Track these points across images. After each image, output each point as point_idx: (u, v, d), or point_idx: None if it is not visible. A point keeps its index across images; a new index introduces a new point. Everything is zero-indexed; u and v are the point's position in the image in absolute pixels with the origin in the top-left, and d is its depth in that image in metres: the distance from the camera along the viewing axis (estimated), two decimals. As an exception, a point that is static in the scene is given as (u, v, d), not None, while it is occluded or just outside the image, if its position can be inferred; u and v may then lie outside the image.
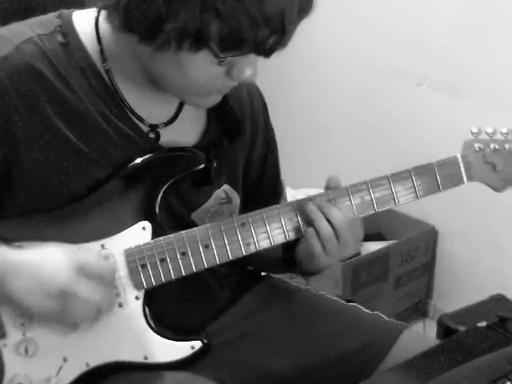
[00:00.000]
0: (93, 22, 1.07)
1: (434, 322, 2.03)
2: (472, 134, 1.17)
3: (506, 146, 1.16)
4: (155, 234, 1.07)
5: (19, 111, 1.01)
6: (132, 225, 1.07)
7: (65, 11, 1.09)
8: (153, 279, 1.07)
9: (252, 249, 1.10)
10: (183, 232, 1.08)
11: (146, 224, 1.07)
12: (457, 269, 2.57)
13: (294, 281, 1.44)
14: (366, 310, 1.32)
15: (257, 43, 0.94)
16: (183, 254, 1.07)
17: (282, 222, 1.10)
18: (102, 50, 1.06)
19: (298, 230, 1.11)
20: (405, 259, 2.53)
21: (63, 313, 0.99)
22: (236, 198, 1.22)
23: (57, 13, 1.09)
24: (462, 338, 1.21)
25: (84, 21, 1.07)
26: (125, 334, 1.08)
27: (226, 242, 1.08)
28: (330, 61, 2.81)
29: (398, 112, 2.59)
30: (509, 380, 0.99)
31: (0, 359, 1.05)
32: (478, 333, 1.20)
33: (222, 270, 1.22)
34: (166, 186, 1.08)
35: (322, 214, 1.09)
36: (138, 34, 0.95)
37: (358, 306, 1.34)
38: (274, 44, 0.95)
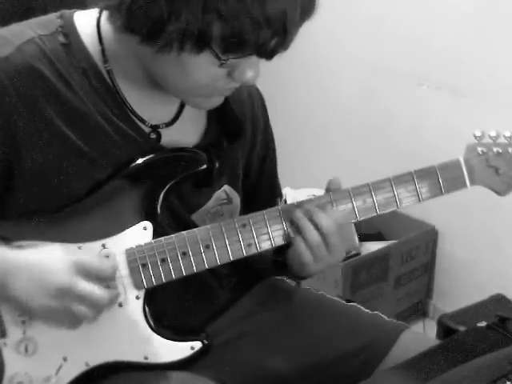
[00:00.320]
0: (94, 23, 1.07)
1: (434, 322, 2.04)
2: (475, 137, 1.16)
3: (510, 149, 1.16)
4: (156, 234, 1.07)
5: (19, 111, 1.01)
6: (133, 225, 1.07)
7: (66, 11, 1.09)
8: (153, 279, 1.07)
9: (253, 250, 1.10)
10: (184, 232, 1.08)
11: (147, 224, 1.07)
12: (457, 269, 2.57)
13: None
14: (366, 310, 1.32)
15: (259, 45, 0.94)
16: (184, 254, 1.07)
17: (284, 223, 1.10)
18: (103, 51, 1.06)
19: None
20: (405, 259, 2.53)
21: (63, 311, 1.00)
22: (236, 199, 1.22)
23: (58, 13, 1.09)
24: (462, 337, 1.21)
25: (85, 21, 1.07)
26: (125, 333, 1.08)
27: (227, 243, 1.08)
28: (330, 61, 2.81)
29: (399, 112, 2.59)
30: (509, 380, 0.99)
31: (0, 358, 1.05)
32: (477, 333, 1.20)
33: (223, 270, 1.22)
34: (167, 187, 1.08)
35: (310, 220, 1.09)
36: (140, 35, 0.95)
37: (358, 306, 1.34)
38: (276, 46, 0.95)
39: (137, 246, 1.07)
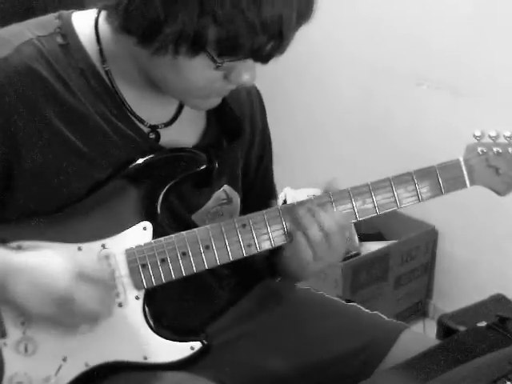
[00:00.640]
0: (92, 23, 1.07)
1: (434, 322, 2.04)
2: (475, 137, 1.16)
3: (510, 149, 1.16)
4: (156, 234, 1.07)
5: (19, 112, 1.01)
6: (133, 225, 1.07)
7: (64, 12, 1.09)
8: (153, 279, 1.07)
9: (253, 250, 1.09)
10: (184, 232, 1.08)
11: (147, 224, 1.07)
12: (457, 269, 2.57)
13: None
14: (366, 310, 1.32)
15: (254, 49, 0.94)
16: (184, 254, 1.07)
17: (283, 223, 1.10)
18: (101, 51, 1.06)
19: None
20: (405, 259, 2.53)
21: (62, 316, 1.00)
22: (236, 199, 1.22)
23: (56, 14, 1.09)
24: (462, 337, 1.21)
25: (83, 22, 1.07)
26: (124, 333, 1.08)
27: (227, 243, 1.08)
28: (330, 61, 2.81)
29: (398, 112, 2.59)
30: (509, 380, 0.99)
31: (0, 358, 1.05)
32: (477, 333, 1.20)
33: (223, 271, 1.22)
34: (167, 187, 1.08)
35: (314, 219, 1.08)
36: (136, 36, 0.96)
37: (358, 306, 1.34)
38: (272, 50, 0.95)
39: (136, 247, 1.06)
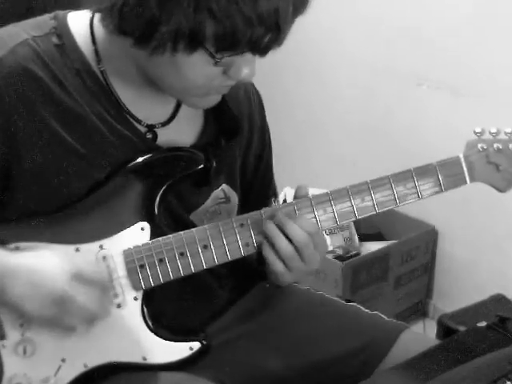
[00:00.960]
0: (87, 23, 1.07)
1: (434, 322, 2.03)
2: (475, 133, 1.16)
3: (510, 145, 1.15)
4: (154, 234, 1.07)
5: (17, 112, 1.01)
6: (131, 225, 1.07)
7: (60, 12, 1.09)
8: (151, 280, 1.07)
9: (251, 249, 1.09)
10: (182, 232, 1.08)
11: (145, 224, 1.07)
12: (457, 269, 2.57)
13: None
14: (366, 310, 1.32)
15: (252, 42, 0.94)
16: (182, 254, 1.07)
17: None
18: (96, 51, 1.06)
19: None
20: (405, 259, 2.53)
21: (59, 317, 1.00)
22: (234, 198, 1.22)
23: (52, 14, 1.09)
24: (462, 337, 1.21)
25: (79, 22, 1.07)
26: (123, 334, 1.08)
27: (225, 243, 1.08)
28: (330, 61, 2.81)
29: (398, 112, 2.59)
30: (509, 380, 0.99)
31: (-1, 359, 1.05)
32: (477, 333, 1.20)
33: (222, 270, 1.21)
34: (165, 187, 1.08)
35: (282, 232, 1.07)
36: (133, 38, 0.95)
37: (358, 306, 1.33)
38: (269, 42, 0.95)
39: (134, 247, 1.06)
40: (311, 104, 2.93)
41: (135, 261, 1.06)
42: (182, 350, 1.10)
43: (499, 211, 2.29)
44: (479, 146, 1.15)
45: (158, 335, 1.09)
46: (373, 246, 2.51)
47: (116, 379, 1.08)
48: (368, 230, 2.61)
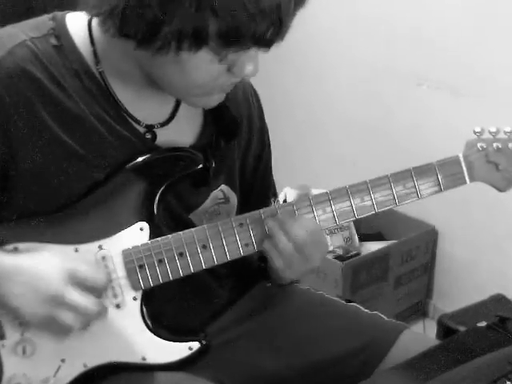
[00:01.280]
0: (86, 24, 1.07)
1: (434, 322, 2.04)
2: (475, 133, 1.15)
3: (510, 144, 1.15)
4: (153, 234, 1.07)
5: (15, 113, 1.01)
6: (130, 225, 1.07)
7: (58, 13, 1.09)
8: (150, 280, 1.07)
9: (250, 249, 1.09)
10: (181, 233, 1.07)
11: (144, 225, 1.07)
12: (457, 269, 2.57)
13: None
14: (366, 310, 1.32)
15: (255, 37, 0.93)
16: (181, 254, 1.07)
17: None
18: (95, 52, 1.06)
19: None
20: (405, 259, 2.53)
21: (53, 318, 1.00)
22: (234, 198, 1.22)
23: (50, 15, 1.08)
24: (462, 338, 1.21)
25: (77, 23, 1.07)
26: (123, 334, 1.08)
27: (224, 243, 1.08)
28: (330, 61, 2.81)
29: (398, 112, 2.59)
30: (509, 380, 0.99)
31: (-2, 359, 1.05)
32: (477, 333, 1.20)
33: (222, 270, 1.21)
34: (164, 187, 1.08)
35: (282, 230, 1.08)
36: (135, 40, 0.95)
37: (358, 306, 1.33)
38: (273, 36, 0.95)
39: (133, 247, 1.06)
40: (311, 104, 2.93)
41: (134, 261, 1.06)
42: (181, 349, 1.10)
43: (499, 211, 2.29)
44: (478, 145, 1.15)
45: (157, 335, 1.09)
46: (373, 246, 2.51)
47: (115, 379, 1.08)
48: (368, 230, 2.61)
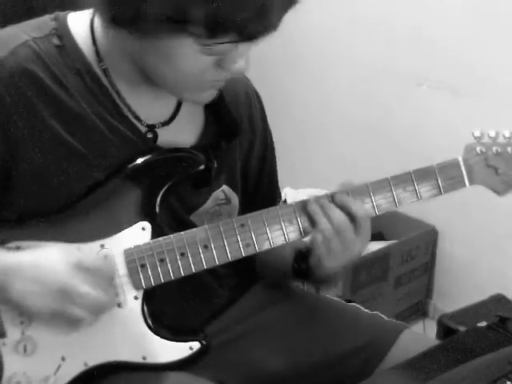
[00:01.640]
0: (88, 23, 1.07)
1: (434, 322, 2.04)
2: (474, 137, 1.16)
3: (509, 149, 1.15)
4: (155, 234, 1.07)
5: (16, 113, 1.01)
6: (132, 225, 1.07)
7: (60, 13, 1.09)
8: (152, 279, 1.07)
9: (251, 250, 1.09)
10: (183, 233, 1.07)
11: (146, 224, 1.07)
12: (457, 269, 2.57)
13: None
14: (366, 310, 1.32)
15: (238, 28, 0.92)
16: (182, 254, 1.07)
17: (282, 223, 1.10)
18: (97, 51, 1.06)
19: (297, 232, 1.11)
20: (405, 259, 2.53)
21: (63, 311, 1.00)
22: (235, 199, 1.22)
23: (52, 15, 1.09)
24: (462, 338, 1.21)
25: (79, 22, 1.08)
26: (123, 333, 1.08)
27: (225, 243, 1.08)
28: (330, 61, 2.81)
29: (398, 112, 2.59)
30: (509, 380, 0.99)
31: (-1, 357, 1.05)
32: (477, 333, 1.20)
33: (222, 270, 1.21)
34: (166, 187, 1.08)
35: (324, 213, 1.09)
36: (123, 25, 0.95)
37: (358, 306, 1.33)
38: (257, 29, 0.94)
39: (135, 247, 1.06)
40: (311, 104, 2.93)
41: (136, 260, 1.06)
42: (181, 349, 1.10)
43: (499, 211, 2.29)
44: (478, 149, 1.16)
45: (158, 335, 1.09)
46: (373, 246, 2.51)
47: (116, 378, 1.08)
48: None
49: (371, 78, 2.65)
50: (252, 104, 1.25)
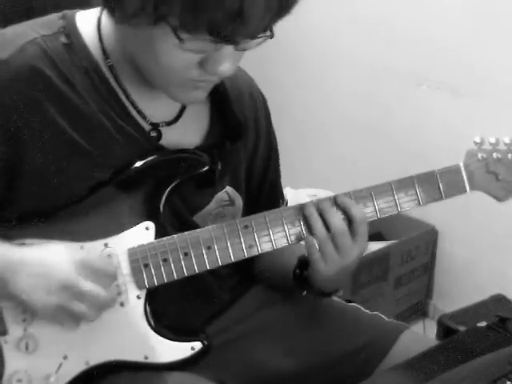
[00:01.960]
0: (95, 22, 1.07)
1: (434, 322, 2.04)
2: (475, 143, 1.17)
3: (509, 155, 1.16)
4: (158, 234, 1.07)
5: (22, 111, 1.01)
6: (136, 224, 1.07)
7: (68, 12, 1.09)
8: (155, 279, 1.07)
9: (254, 251, 1.09)
10: (186, 233, 1.07)
11: (150, 224, 1.07)
12: (457, 269, 2.57)
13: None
14: (366, 311, 1.32)
15: (209, 27, 0.90)
16: (186, 254, 1.07)
17: (285, 225, 1.10)
18: (104, 50, 1.06)
19: (299, 234, 1.10)
20: (405, 259, 2.53)
21: (66, 306, 1.00)
22: (239, 201, 1.22)
23: (60, 14, 1.09)
24: (462, 337, 1.21)
25: (87, 21, 1.08)
26: (125, 333, 1.08)
27: (229, 244, 1.08)
28: (330, 61, 2.81)
29: (398, 112, 2.59)
30: (509, 380, 0.99)
31: (0, 355, 1.05)
32: (477, 333, 1.20)
33: (223, 270, 1.21)
34: (170, 187, 1.08)
35: (322, 218, 1.08)
36: (110, 11, 0.96)
37: (358, 307, 1.33)
38: (233, 32, 0.91)
39: (139, 246, 1.06)
40: (311, 104, 2.93)
41: (139, 260, 1.06)
42: (183, 349, 1.10)
43: (499, 211, 2.28)
44: (479, 155, 1.16)
45: (160, 334, 1.09)
46: (373, 246, 2.51)
47: (117, 378, 1.08)
48: (368, 230, 2.60)
49: (371, 78, 2.65)
50: (257, 106, 1.24)
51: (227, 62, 0.98)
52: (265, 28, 0.95)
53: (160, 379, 1.09)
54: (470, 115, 2.29)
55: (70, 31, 1.06)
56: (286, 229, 1.10)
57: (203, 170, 1.09)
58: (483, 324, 1.22)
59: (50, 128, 1.03)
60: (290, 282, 1.22)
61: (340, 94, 2.80)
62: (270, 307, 1.29)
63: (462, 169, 1.16)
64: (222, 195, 1.18)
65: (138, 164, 1.08)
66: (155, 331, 1.09)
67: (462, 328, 1.63)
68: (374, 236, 2.63)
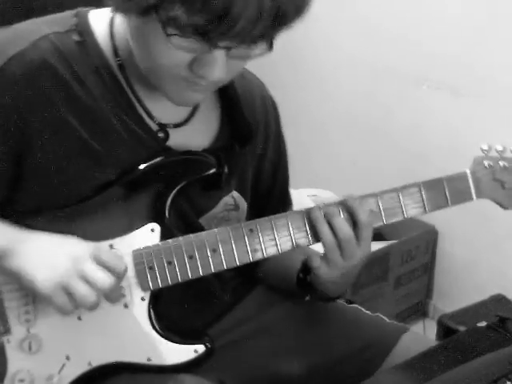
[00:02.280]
0: (108, 21, 1.07)
1: (434, 322, 2.04)
2: (482, 151, 1.16)
3: None
4: (164, 236, 1.07)
5: (36, 103, 1.01)
6: (141, 226, 1.07)
7: (81, 10, 1.09)
8: (159, 281, 1.06)
9: (259, 255, 1.08)
10: (192, 235, 1.07)
11: (155, 226, 1.07)
12: (457, 269, 2.57)
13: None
14: (367, 312, 1.32)
15: (194, 27, 0.89)
16: (191, 257, 1.06)
17: (291, 229, 1.09)
18: (115, 49, 1.06)
19: (305, 238, 1.10)
20: (405, 259, 2.53)
21: (68, 283, 0.99)
22: (244, 206, 1.21)
23: (73, 12, 1.09)
24: (462, 337, 1.21)
25: (100, 20, 1.08)
26: (129, 334, 1.08)
27: (234, 248, 1.07)
28: (330, 62, 2.81)
29: (398, 112, 2.59)
30: (509, 380, 0.99)
31: (3, 355, 1.05)
32: (477, 333, 1.20)
33: (226, 273, 1.21)
34: (176, 189, 1.08)
35: (328, 222, 1.08)
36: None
37: (359, 308, 1.33)
38: (220, 36, 0.90)
39: (144, 248, 1.06)
40: (311, 104, 2.93)
41: (144, 262, 1.06)
42: (186, 352, 1.10)
43: (499, 211, 2.29)
44: (486, 162, 1.16)
45: (163, 337, 1.09)
46: (373, 246, 2.50)
47: (119, 379, 1.09)
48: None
49: (371, 78, 2.65)
50: (268, 110, 1.24)
51: (216, 66, 0.95)
52: (259, 37, 0.92)
53: (162, 381, 1.09)
54: (469, 115, 2.29)
55: (83, 29, 1.06)
56: (291, 233, 1.09)
57: (210, 173, 1.09)
58: (483, 324, 1.22)
59: (62, 125, 1.03)
60: (294, 286, 1.22)
61: (340, 94, 2.80)
62: (271, 309, 1.29)
63: (469, 176, 1.16)
64: (227, 199, 1.18)
65: (145, 165, 1.07)
66: (159, 333, 1.09)
67: (462, 328, 1.64)
68: (374, 236, 2.60)
